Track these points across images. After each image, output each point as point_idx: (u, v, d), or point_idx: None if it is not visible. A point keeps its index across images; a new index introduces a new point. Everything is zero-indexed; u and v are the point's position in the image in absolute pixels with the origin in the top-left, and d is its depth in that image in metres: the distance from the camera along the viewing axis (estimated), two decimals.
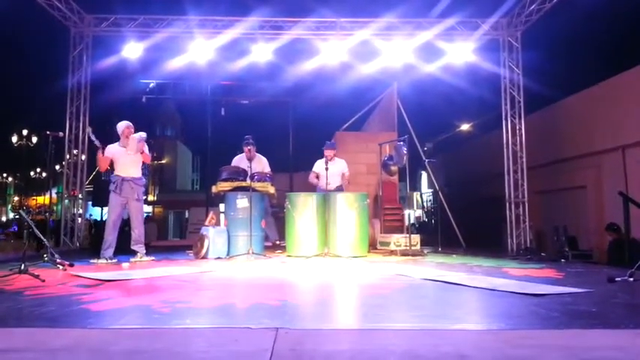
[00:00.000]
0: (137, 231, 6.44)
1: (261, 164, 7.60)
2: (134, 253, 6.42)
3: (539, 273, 5.24)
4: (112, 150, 6.43)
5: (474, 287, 3.94)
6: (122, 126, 6.50)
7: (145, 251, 6.49)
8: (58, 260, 5.26)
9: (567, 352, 2.10)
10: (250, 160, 7.30)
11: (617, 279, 4.19)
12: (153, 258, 6.52)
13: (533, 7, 9.44)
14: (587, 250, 9.76)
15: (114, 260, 6.15)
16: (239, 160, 7.71)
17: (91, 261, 6.09)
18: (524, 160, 10.04)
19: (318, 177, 7.93)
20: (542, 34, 12.04)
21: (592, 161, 10.53)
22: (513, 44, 10.18)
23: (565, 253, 9.04)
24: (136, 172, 6.48)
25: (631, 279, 4.15)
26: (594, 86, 10.63)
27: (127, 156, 6.42)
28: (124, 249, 6.55)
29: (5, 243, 13.86)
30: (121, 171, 6.38)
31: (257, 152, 7.73)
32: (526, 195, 9.99)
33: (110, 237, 6.25)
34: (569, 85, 12.95)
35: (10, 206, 41.49)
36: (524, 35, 10.22)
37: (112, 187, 6.35)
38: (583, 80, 12.18)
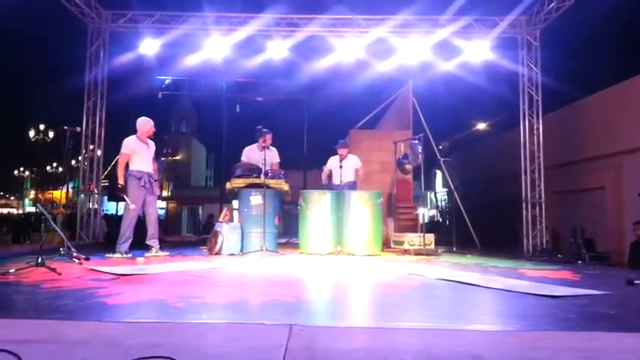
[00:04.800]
0: (152, 226, 6.49)
1: (272, 154, 7.57)
2: (148, 247, 6.46)
3: (556, 274, 5.18)
4: (132, 145, 6.43)
5: (488, 288, 3.91)
6: (146, 124, 6.54)
7: (159, 246, 6.54)
8: (74, 254, 5.32)
9: (584, 355, 2.07)
10: (264, 149, 7.28)
11: (635, 282, 4.13)
12: (167, 253, 6.57)
13: (552, 4, 9.31)
14: (605, 253, 9.63)
15: (129, 255, 6.19)
16: (250, 151, 7.68)
17: (107, 255, 6.13)
18: (541, 159, 9.91)
19: (329, 174, 7.95)
20: (562, 32, 11.84)
21: (611, 162, 10.37)
22: (532, 42, 10.05)
23: (582, 254, 8.92)
24: (151, 167, 6.56)
25: None
26: (614, 86, 10.46)
27: (147, 151, 6.50)
28: (138, 244, 6.60)
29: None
30: (142, 166, 6.41)
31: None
32: (543, 195, 9.87)
33: (129, 231, 6.29)
34: (588, 84, 12.77)
35: (27, 200, 42.12)
36: (544, 33, 10.08)
37: (137, 182, 6.29)
38: (603, 79, 12.01)
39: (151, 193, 6.44)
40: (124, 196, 6.29)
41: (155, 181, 6.58)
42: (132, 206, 6.25)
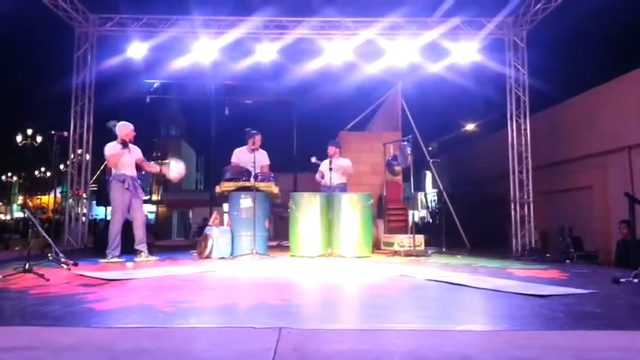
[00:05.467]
0: (140, 231, 6.44)
1: (262, 156, 7.57)
2: (136, 252, 6.42)
3: (544, 274, 5.23)
4: (115, 149, 6.40)
5: (477, 288, 3.94)
6: (125, 128, 6.48)
7: (148, 251, 6.50)
8: (62, 259, 5.28)
9: (571, 353, 2.10)
10: (253, 151, 7.28)
11: (621, 280, 4.18)
12: (157, 257, 6.53)
13: (538, 6, 9.39)
14: (593, 251, 9.72)
15: (122, 259, 6.17)
16: (240, 152, 7.67)
17: (100, 260, 6.08)
18: (529, 160, 10.00)
19: (323, 176, 7.97)
20: (548, 33, 11.96)
21: (598, 162, 10.48)
22: (519, 44, 10.14)
23: (570, 253, 9.01)
24: (134, 171, 6.52)
25: (635, 280, 4.13)
26: (600, 86, 10.58)
27: (129, 155, 6.43)
28: (127, 249, 6.56)
29: None
30: (125, 169, 6.36)
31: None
32: (531, 195, 9.95)
33: (118, 236, 6.26)
34: (575, 85, 12.90)
35: (15, 205, 41.69)
36: (530, 34, 10.18)
37: (121, 185, 6.24)
38: (589, 80, 12.14)
39: (135, 197, 6.39)
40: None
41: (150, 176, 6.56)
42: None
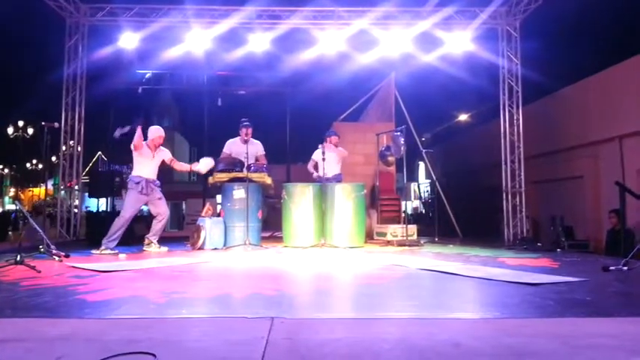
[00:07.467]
0: (159, 226, 6.57)
1: (256, 147, 7.55)
2: (142, 243, 6.56)
3: (535, 262, 5.27)
4: (141, 148, 6.46)
5: (470, 277, 3.97)
6: (155, 132, 6.60)
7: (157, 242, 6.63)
8: (53, 251, 5.27)
9: (562, 340, 2.11)
10: (246, 142, 7.28)
11: (611, 268, 4.22)
12: (167, 248, 6.62)
13: None
14: (584, 240, 9.79)
15: (115, 251, 6.21)
16: (233, 143, 7.65)
17: (93, 252, 6.13)
18: (521, 150, 10.03)
19: (316, 166, 7.94)
20: (541, 23, 11.93)
21: (589, 151, 10.53)
22: (512, 33, 10.13)
23: (561, 242, 9.08)
24: (155, 174, 6.64)
25: (625, 268, 4.18)
26: (592, 76, 10.61)
27: (151, 159, 6.54)
28: (126, 241, 6.62)
29: None
30: (142, 172, 6.46)
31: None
32: (523, 185, 10.00)
33: (120, 231, 6.34)
34: (568, 75, 12.90)
35: (7, 197, 41.40)
36: (523, 24, 10.17)
37: (136, 187, 6.35)
38: (582, 70, 12.15)
39: (153, 197, 6.51)
40: None
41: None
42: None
